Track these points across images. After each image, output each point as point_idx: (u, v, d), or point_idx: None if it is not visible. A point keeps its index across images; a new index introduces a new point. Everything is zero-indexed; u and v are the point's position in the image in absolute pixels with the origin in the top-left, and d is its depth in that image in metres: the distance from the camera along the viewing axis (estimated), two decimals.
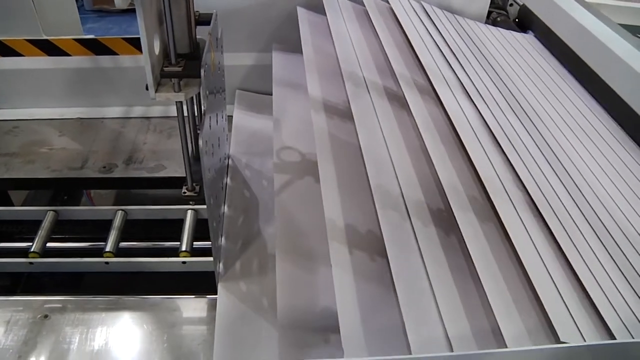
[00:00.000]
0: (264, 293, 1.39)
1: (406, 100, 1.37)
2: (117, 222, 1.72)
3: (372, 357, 0.84)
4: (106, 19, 4.74)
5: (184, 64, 1.14)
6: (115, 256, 1.63)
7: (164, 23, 1.15)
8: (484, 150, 1.23)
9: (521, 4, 2.43)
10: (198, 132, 1.74)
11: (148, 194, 2.40)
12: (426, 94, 1.45)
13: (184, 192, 1.46)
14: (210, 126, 1.20)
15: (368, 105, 1.34)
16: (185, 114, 1.39)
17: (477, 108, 1.41)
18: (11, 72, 2.16)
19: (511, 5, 2.59)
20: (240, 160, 1.80)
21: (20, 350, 1.37)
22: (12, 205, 2.16)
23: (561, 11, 1.93)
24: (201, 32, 1.34)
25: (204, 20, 1.31)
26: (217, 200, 1.48)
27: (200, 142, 1.06)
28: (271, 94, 1.74)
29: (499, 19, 2.52)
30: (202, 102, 1.27)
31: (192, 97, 1.35)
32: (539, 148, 1.34)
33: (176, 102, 1.23)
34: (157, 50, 1.17)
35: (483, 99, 1.48)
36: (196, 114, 1.47)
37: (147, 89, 1.19)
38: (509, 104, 1.52)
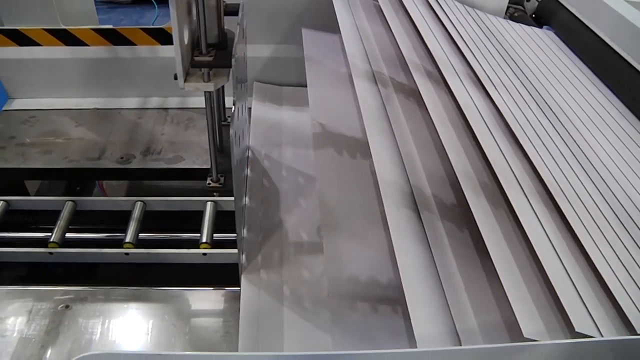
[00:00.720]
0: (286, 283, 1.39)
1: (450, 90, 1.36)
2: (136, 213, 1.72)
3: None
4: (117, 10, 4.73)
5: (214, 53, 1.13)
6: (135, 247, 1.63)
7: (193, 13, 1.14)
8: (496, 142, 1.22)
9: None
10: (223, 123, 1.74)
11: (161, 186, 2.40)
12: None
13: (209, 183, 1.45)
14: (238, 117, 1.19)
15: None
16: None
17: (497, 101, 1.39)
18: (28, 62, 2.16)
19: (528, 0, 2.58)
20: (259, 151, 1.79)
21: (43, 340, 1.37)
22: (28, 195, 2.16)
23: (602, 4, 1.89)
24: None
25: (230, 10, 1.30)
26: (240, 191, 1.47)
27: (231, 132, 1.05)
28: (289, 86, 1.73)
29: (516, 14, 2.50)
30: (232, 92, 1.26)
31: (217, 89, 1.34)
32: (565, 144, 1.33)
33: (205, 92, 1.22)
34: (186, 40, 1.16)
35: (509, 94, 1.47)
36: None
37: (175, 78, 1.18)
38: (533, 98, 1.51)
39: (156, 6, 4.75)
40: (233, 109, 1.11)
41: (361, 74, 1.36)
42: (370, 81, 1.37)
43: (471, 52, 1.63)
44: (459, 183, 1.07)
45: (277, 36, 2.17)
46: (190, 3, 1.20)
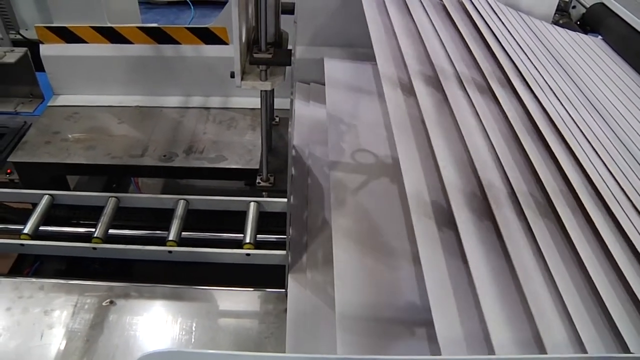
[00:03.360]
0: (331, 284, 1.37)
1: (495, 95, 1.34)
2: (180, 211, 1.72)
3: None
4: (153, 11, 4.78)
5: (272, 51, 1.13)
6: (178, 245, 1.63)
7: (253, 12, 1.13)
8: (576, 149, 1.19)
9: (588, 6, 2.37)
10: (272, 123, 1.73)
11: (197, 185, 2.41)
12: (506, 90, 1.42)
13: (259, 182, 1.45)
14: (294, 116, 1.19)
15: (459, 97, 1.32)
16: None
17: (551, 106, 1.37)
18: (74, 59, 2.18)
19: (574, 7, 2.54)
20: (303, 150, 1.78)
21: (88, 334, 1.38)
22: (69, 189, 2.18)
23: None
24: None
25: (284, 9, 1.29)
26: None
27: (290, 130, 1.04)
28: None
29: (561, 20, 2.46)
30: (289, 91, 1.25)
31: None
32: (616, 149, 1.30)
33: (261, 91, 1.21)
34: (243, 39, 1.16)
35: (561, 100, 1.44)
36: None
37: (232, 76, 1.18)
38: (582, 103, 1.48)
39: (192, 7, 4.80)
40: (291, 107, 1.10)
41: (418, 78, 1.34)
42: (427, 85, 1.35)
43: (521, 60, 1.61)
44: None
45: (305, 38, 2.16)
46: (248, 2, 1.19)
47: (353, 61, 2.12)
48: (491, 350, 0.77)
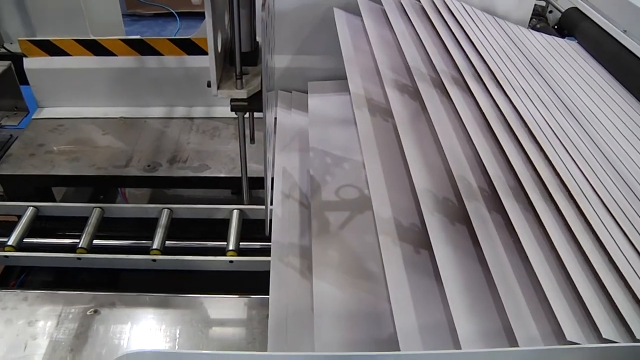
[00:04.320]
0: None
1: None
2: (163, 220, 1.73)
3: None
4: (139, 23, 4.81)
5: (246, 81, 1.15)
6: (162, 254, 1.65)
7: (226, 23, 1.16)
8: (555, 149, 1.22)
9: (563, 10, 2.42)
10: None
11: (184, 195, 2.43)
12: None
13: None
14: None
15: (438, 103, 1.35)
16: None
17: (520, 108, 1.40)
18: (58, 72, 2.20)
19: (551, 12, 2.58)
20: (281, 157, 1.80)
21: (72, 344, 1.39)
22: (55, 201, 2.19)
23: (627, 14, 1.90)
24: None
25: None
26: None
27: (266, 140, 1.06)
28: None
29: (538, 25, 2.51)
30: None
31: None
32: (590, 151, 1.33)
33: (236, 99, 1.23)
34: (219, 48, 1.18)
35: (533, 101, 1.47)
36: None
37: (208, 86, 1.20)
38: (556, 106, 1.51)
39: (178, 19, 4.83)
40: (264, 114, 1.12)
41: (390, 84, 1.37)
42: (400, 91, 1.38)
43: (494, 61, 1.64)
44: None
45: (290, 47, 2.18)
46: (224, 13, 1.22)
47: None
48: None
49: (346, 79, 1.55)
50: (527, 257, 0.94)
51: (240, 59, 1.18)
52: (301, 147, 1.79)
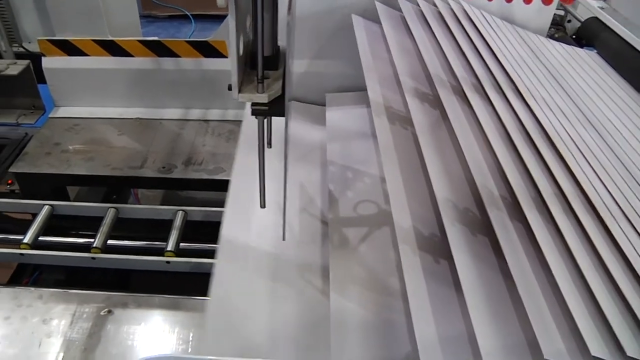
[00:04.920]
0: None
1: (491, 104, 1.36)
2: (178, 222, 1.74)
3: None
4: (155, 24, 4.83)
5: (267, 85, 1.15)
6: (176, 256, 1.65)
7: (247, 26, 1.16)
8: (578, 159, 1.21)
9: (583, 20, 2.40)
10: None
11: (196, 197, 2.43)
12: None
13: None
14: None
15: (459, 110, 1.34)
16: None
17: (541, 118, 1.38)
18: (75, 71, 2.21)
19: (569, 21, 2.57)
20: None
21: (86, 343, 1.39)
22: (69, 200, 2.20)
23: None
24: None
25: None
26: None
27: (285, 150, 1.06)
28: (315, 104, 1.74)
29: (556, 34, 2.49)
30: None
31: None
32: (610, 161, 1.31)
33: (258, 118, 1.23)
34: (241, 52, 1.18)
35: (554, 111, 1.46)
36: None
37: (229, 89, 1.20)
38: (577, 116, 1.50)
39: (192, 21, 4.85)
40: (286, 124, 1.12)
41: (410, 92, 1.36)
42: (419, 99, 1.38)
43: (513, 69, 1.63)
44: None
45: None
46: (246, 16, 1.21)
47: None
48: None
49: (363, 90, 1.54)
50: (550, 269, 0.93)
51: (263, 62, 1.17)
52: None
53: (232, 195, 1.52)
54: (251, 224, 1.47)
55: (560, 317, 0.88)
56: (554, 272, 0.91)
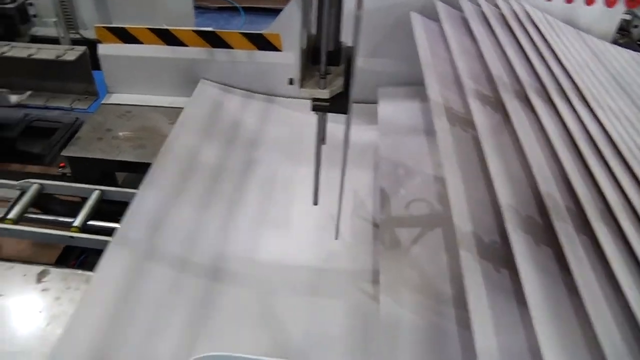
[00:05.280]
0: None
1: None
2: None
3: None
4: (204, 16, 4.87)
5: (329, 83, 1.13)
6: None
7: (314, 20, 1.14)
8: None
9: None
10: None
11: None
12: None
13: None
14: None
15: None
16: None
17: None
18: (129, 59, 2.24)
19: (635, 26, 2.47)
20: None
21: None
22: (117, 185, 2.23)
23: None
24: None
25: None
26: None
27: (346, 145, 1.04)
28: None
29: (621, 40, 2.40)
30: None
31: None
32: None
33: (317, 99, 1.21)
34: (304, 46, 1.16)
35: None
36: None
37: (290, 83, 1.18)
38: None
39: (242, 13, 4.87)
40: (347, 120, 1.10)
41: (472, 93, 1.32)
42: (481, 101, 1.34)
43: (578, 75, 1.57)
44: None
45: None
46: (310, 11, 1.19)
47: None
48: None
49: (416, 85, 1.51)
50: (620, 287, 0.88)
51: (326, 57, 1.15)
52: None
53: None
54: None
55: (631, 340, 0.84)
56: (624, 291, 0.87)
